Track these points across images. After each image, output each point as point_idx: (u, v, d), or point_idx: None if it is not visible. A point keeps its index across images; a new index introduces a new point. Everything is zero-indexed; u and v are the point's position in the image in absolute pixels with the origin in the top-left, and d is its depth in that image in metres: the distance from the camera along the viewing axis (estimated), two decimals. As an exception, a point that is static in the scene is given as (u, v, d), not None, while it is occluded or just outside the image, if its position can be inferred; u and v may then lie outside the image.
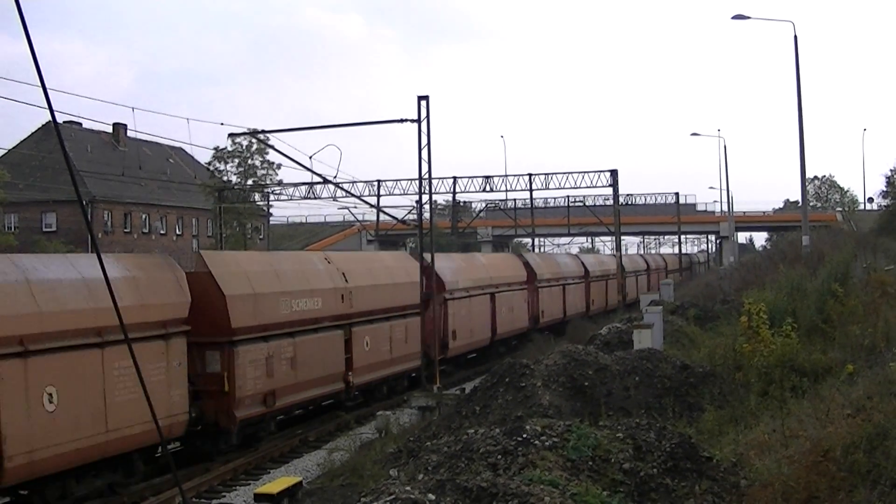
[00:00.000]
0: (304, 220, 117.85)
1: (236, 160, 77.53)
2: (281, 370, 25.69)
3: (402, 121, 32.44)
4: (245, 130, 42.07)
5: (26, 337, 17.71)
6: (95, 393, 19.23)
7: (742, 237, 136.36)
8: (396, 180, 65.32)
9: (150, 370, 20.50)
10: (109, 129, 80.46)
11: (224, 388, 23.51)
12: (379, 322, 31.81)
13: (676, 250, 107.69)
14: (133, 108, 44.92)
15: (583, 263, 62.61)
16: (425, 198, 35.19)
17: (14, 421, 17.24)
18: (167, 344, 21.60)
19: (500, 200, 76.39)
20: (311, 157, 32.97)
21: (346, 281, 29.87)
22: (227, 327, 23.72)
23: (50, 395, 18.12)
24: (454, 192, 68.00)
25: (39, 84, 7.30)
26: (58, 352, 18.38)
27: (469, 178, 66.46)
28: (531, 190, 64.84)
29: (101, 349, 19.36)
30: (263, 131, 38.49)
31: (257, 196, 79.76)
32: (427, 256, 34.00)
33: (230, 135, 70.31)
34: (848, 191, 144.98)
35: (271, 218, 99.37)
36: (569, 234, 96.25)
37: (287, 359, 26.04)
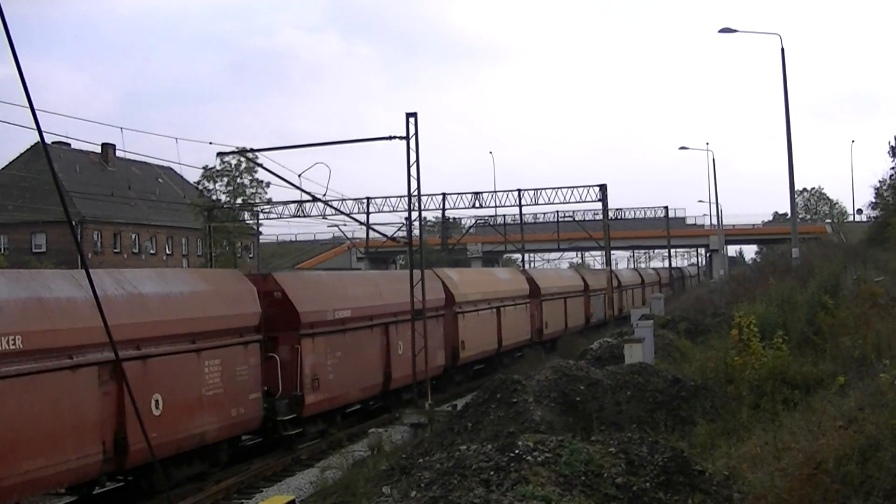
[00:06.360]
0: (293, 239, 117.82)
1: (225, 179, 77.43)
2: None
3: (390, 138, 32.43)
4: (233, 149, 41.99)
5: (140, 341, 20.90)
6: (193, 390, 22.60)
7: (732, 250, 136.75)
8: (386, 197, 65.51)
9: (236, 370, 24.29)
10: (98, 150, 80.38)
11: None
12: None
13: (666, 264, 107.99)
14: (122, 129, 44.93)
15: (583, 278, 63.64)
16: (415, 215, 35.18)
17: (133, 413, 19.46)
18: (245, 347, 24.99)
19: (490, 216, 76.45)
20: (300, 176, 32.83)
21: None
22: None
23: (159, 392, 21.23)
24: (444, 209, 68.23)
25: (28, 105, 7.29)
26: (164, 355, 21.65)
27: (458, 194, 66.82)
28: (520, 205, 65.09)
29: (197, 353, 22.89)
30: (252, 150, 38.36)
31: (247, 215, 79.72)
32: (442, 272, 39.26)
33: (219, 154, 70.29)
34: (837, 202, 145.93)
35: (261, 236, 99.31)
36: (559, 250, 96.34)
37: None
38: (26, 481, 17.77)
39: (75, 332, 18.88)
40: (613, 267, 69.63)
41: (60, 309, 19.02)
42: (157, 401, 21.12)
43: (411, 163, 32.32)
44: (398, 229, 58.89)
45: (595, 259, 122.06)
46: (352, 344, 30.60)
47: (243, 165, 74.67)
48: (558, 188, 62.76)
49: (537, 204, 64.96)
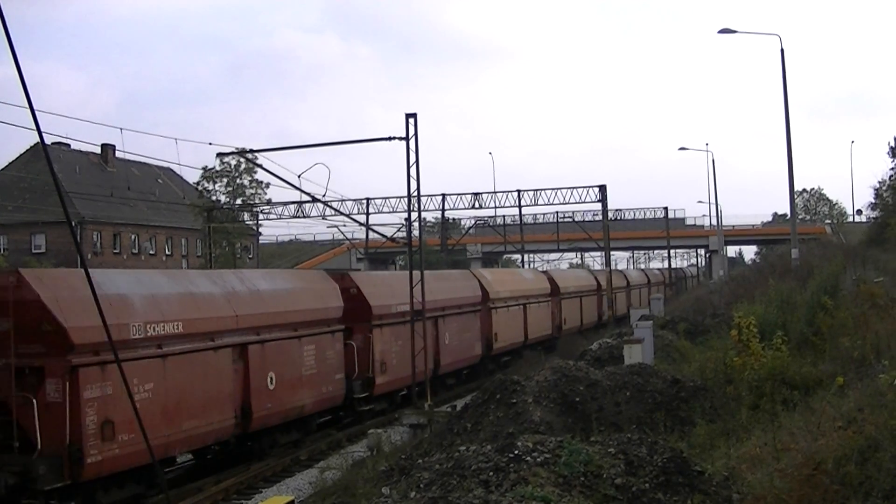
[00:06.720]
0: (293, 239, 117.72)
1: (225, 180, 77.34)
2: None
3: (389, 139, 32.43)
4: (233, 150, 41.98)
5: (259, 328, 25.38)
6: (296, 369, 27.00)
7: (731, 251, 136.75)
8: (385, 198, 65.41)
9: (326, 354, 28.72)
10: (97, 150, 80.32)
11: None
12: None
13: (665, 265, 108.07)
14: (121, 129, 44.85)
15: (596, 278, 66.00)
16: (414, 215, 35.16)
17: (256, 387, 24.84)
18: (332, 335, 29.39)
19: (489, 217, 76.38)
20: (299, 176, 32.82)
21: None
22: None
23: (273, 370, 25.64)
24: (443, 209, 68.13)
25: (27, 106, 7.30)
26: (275, 340, 26.09)
27: (458, 195, 66.76)
28: (520, 206, 65.09)
29: (299, 339, 27.31)
30: (251, 150, 38.36)
31: (246, 215, 79.57)
32: (478, 272, 45.56)
33: (219, 154, 70.31)
34: (836, 203, 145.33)
35: (260, 237, 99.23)
36: (558, 250, 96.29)
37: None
38: (186, 437, 22.21)
39: (215, 320, 23.61)
40: (613, 267, 69.90)
41: (205, 301, 23.76)
42: (271, 377, 25.51)
43: (411, 163, 32.33)
44: (398, 230, 58.91)
45: (595, 260, 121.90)
46: (408, 334, 33.56)
47: (243, 166, 74.65)
48: (558, 189, 62.85)
49: (537, 204, 65.07)
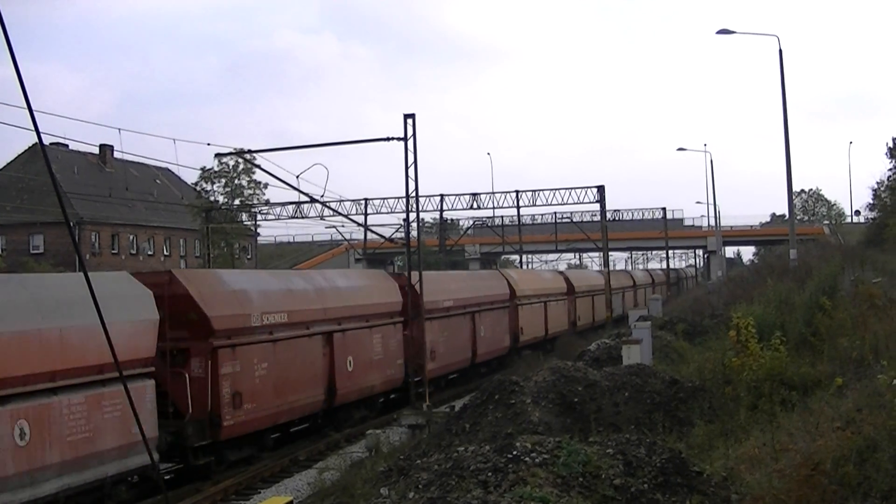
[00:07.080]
0: (291, 240, 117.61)
1: (223, 180, 77.23)
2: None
3: (388, 139, 32.42)
4: (231, 150, 41.95)
5: (341, 319, 30.01)
6: (368, 354, 31.54)
7: (730, 251, 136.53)
8: (384, 198, 65.12)
9: (390, 342, 33.38)
10: (96, 151, 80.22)
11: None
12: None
13: (663, 265, 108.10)
14: (120, 130, 44.87)
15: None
16: (412, 216, 35.14)
17: (339, 369, 29.57)
18: (394, 326, 33.99)
19: (488, 217, 76.10)
20: (297, 177, 32.85)
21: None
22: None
23: (351, 355, 30.30)
24: (441, 210, 67.94)
25: (26, 106, 7.29)
26: (353, 329, 30.70)
27: (456, 195, 66.38)
28: (518, 207, 64.83)
29: (370, 329, 32.02)
30: (250, 151, 38.31)
31: (244, 216, 79.45)
32: (506, 272, 51.32)
33: (217, 154, 70.20)
34: (835, 204, 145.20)
35: (259, 238, 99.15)
36: (556, 251, 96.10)
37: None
38: (290, 409, 27.10)
39: (310, 312, 28.36)
40: (612, 268, 70.24)
41: (301, 296, 28.43)
42: (350, 361, 30.14)
43: (409, 164, 32.34)
44: (396, 230, 58.78)
45: (593, 260, 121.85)
46: (452, 327, 39.23)
47: (241, 167, 74.47)
48: (556, 189, 62.56)
49: (535, 205, 64.67)
